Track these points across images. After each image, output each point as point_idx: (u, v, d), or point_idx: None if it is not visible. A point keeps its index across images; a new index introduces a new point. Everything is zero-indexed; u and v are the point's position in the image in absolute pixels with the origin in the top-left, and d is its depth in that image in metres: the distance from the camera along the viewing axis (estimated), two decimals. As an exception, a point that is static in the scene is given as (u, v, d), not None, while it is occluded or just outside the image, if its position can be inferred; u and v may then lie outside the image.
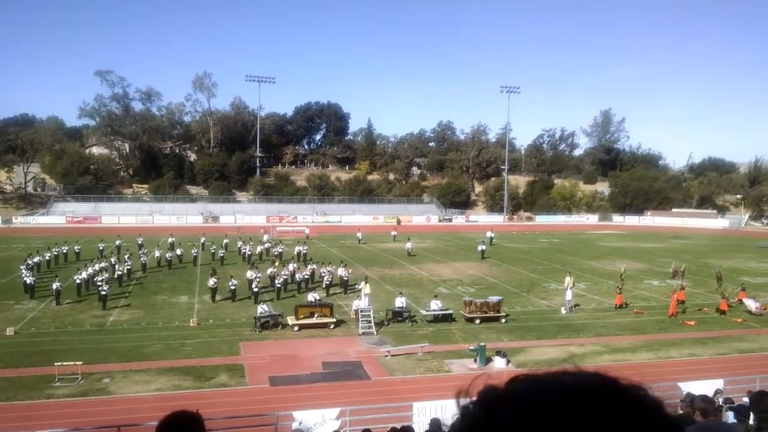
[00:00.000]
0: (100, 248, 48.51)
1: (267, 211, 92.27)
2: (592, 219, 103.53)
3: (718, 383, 17.27)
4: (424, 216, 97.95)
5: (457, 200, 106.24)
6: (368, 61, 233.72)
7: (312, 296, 30.20)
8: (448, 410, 14.32)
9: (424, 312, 29.79)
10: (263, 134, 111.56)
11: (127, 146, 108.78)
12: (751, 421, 10.77)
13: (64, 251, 47.15)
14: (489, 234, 62.59)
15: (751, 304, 31.81)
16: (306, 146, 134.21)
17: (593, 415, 0.87)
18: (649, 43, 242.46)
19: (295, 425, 15.02)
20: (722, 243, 69.80)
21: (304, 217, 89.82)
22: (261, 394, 19.81)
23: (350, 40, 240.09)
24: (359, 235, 63.30)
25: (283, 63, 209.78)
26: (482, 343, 23.25)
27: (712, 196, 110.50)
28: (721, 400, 13.85)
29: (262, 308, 28.10)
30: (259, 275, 34.12)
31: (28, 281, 33.89)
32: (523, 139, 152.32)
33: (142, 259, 42.82)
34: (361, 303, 28.38)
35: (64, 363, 20.62)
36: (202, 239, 52.16)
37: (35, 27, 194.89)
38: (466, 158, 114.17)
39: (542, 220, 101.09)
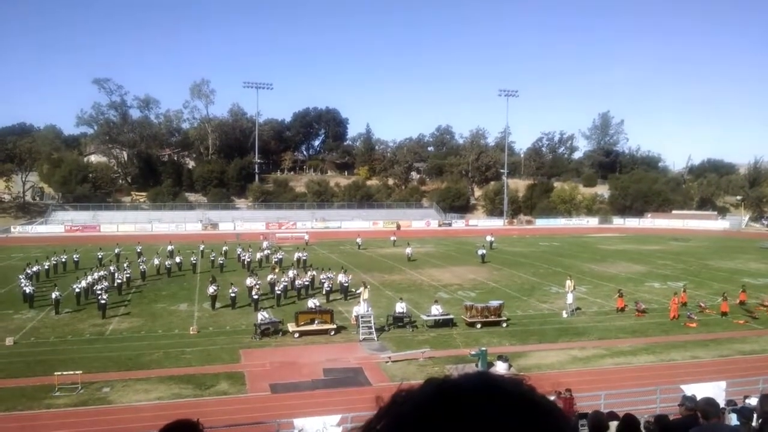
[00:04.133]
0: (99, 257, 48.43)
1: (266, 218, 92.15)
2: (592, 222, 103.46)
3: (721, 385, 17.18)
4: (423, 221, 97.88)
5: (457, 204, 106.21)
6: (366, 66, 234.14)
7: (312, 303, 30.15)
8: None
9: (424, 317, 29.66)
10: (262, 141, 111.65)
11: (125, 154, 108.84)
12: (753, 423, 10.70)
13: (63, 260, 47.04)
14: (489, 238, 62.53)
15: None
16: (305, 152, 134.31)
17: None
18: (647, 45, 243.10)
19: (296, 433, 14.92)
20: (723, 244, 69.76)
21: (304, 223, 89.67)
22: (262, 401, 19.72)
23: (348, 46, 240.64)
24: (359, 240, 63.21)
25: (280, 69, 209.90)
26: (483, 348, 23.15)
27: (712, 197, 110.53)
28: (723, 401, 13.77)
29: (262, 315, 28.01)
30: (258, 282, 34.05)
31: (27, 291, 33.80)
32: (522, 143, 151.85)
33: (141, 267, 42.71)
34: (361, 309, 28.30)
35: (64, 372, 20.54)
36: (202, 247, 52.04)
37: (32, 36, 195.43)
38: (465, 162, 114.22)
39: (542, 223, 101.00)
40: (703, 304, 32.57)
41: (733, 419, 10.35)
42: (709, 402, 7.31)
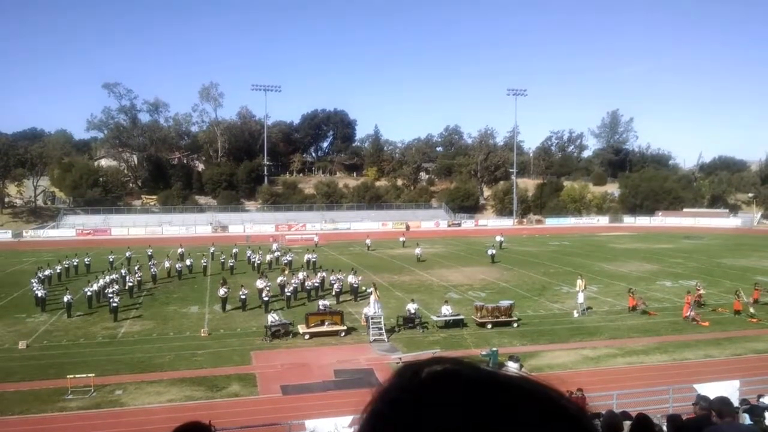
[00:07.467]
0: (110, 260, 48.63)
1: (276, 220, 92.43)
2: (603, 221, 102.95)
3: (735, 384, 17.02)
4: (432, 221, 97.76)
5: (466, 205, 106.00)
6: (374, 67, 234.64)
7: (322, 304, 30.17)
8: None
9: (435, 318, 29.63)
10: (270, 143, 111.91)
11: (135, 158, 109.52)
12: (767, 422, 10.58)
13: (75, 264, 47.38)
14: (499, 238, 62.32)
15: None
16: (313, 154, 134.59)
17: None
18: (656, 42, 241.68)
19: (307, 434, 14.94)
20: (735, 242, 69.19)
21: (313, 225, 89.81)
22: (273, 403, 19.76)
23: (355, 47, 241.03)
24: (368, 241, 63.23)
25: (288, 71, 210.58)
26: (494, 348, 23.07)
27: (724, 195, 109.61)
28: (737, 401, 13.66)
29: (272, 317, 28.07)
30: (269, 284, 34.11)
31: (40, 294, 34.03)
32: (531, 142, 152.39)
33: (152, 270, 42.94)
34: (370, 310, 28.29)
35: (77, 375, 20.67)
36: (212, 249, 52.26)
37: (42, 41, 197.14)
38: (474, 162, 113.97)
39: (552, 222, 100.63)
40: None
41: (747, 419, 10.25)
42: (723, 401, 7.25)
